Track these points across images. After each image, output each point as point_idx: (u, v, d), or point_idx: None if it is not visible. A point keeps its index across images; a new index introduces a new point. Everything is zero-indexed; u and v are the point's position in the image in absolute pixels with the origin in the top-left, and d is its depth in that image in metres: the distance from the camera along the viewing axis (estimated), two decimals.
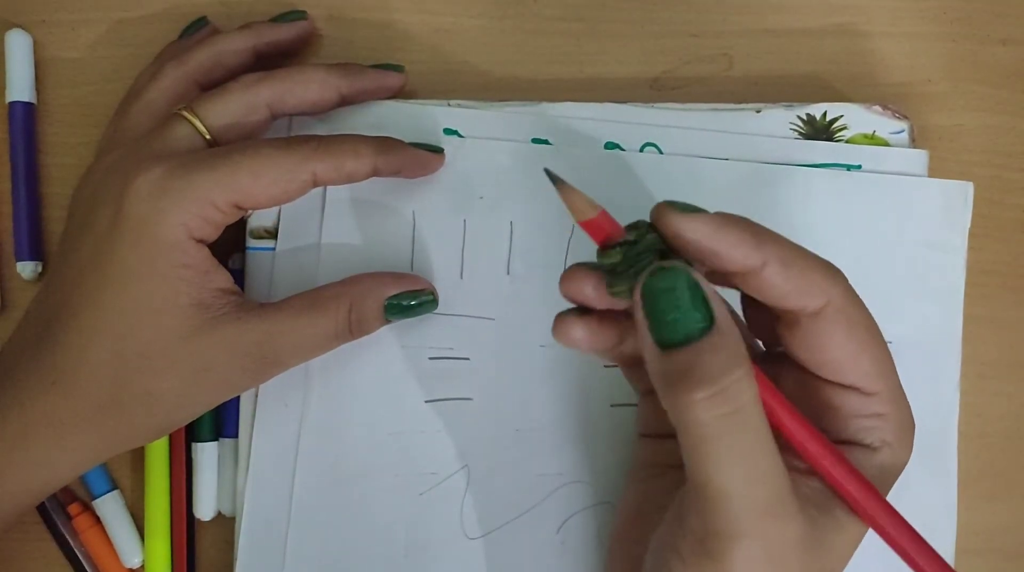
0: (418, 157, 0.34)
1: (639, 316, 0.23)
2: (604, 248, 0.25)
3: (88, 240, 0.31)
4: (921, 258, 0.35)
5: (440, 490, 0.34)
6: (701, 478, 0.23)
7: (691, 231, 0.23)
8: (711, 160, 0.35)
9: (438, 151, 0.35)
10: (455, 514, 0.34)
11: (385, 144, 0.32)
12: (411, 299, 0.33)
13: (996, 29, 0.38)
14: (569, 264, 0.35)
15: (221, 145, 0.32)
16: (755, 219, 0.35)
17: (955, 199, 0.35)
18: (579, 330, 0.26)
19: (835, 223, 0.35)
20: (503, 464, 0.34)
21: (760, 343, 0.30)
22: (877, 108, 0.36)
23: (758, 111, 0.36)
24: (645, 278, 0.23)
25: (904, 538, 0.24)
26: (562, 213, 0.35)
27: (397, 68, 0.36)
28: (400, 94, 0.36)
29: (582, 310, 0.27)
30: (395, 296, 0.33)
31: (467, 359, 0.35)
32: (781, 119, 0.36)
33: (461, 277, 0.35)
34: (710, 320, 0.23)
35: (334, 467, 0.34)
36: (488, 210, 0.35)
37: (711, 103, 0.36)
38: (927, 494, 0.34)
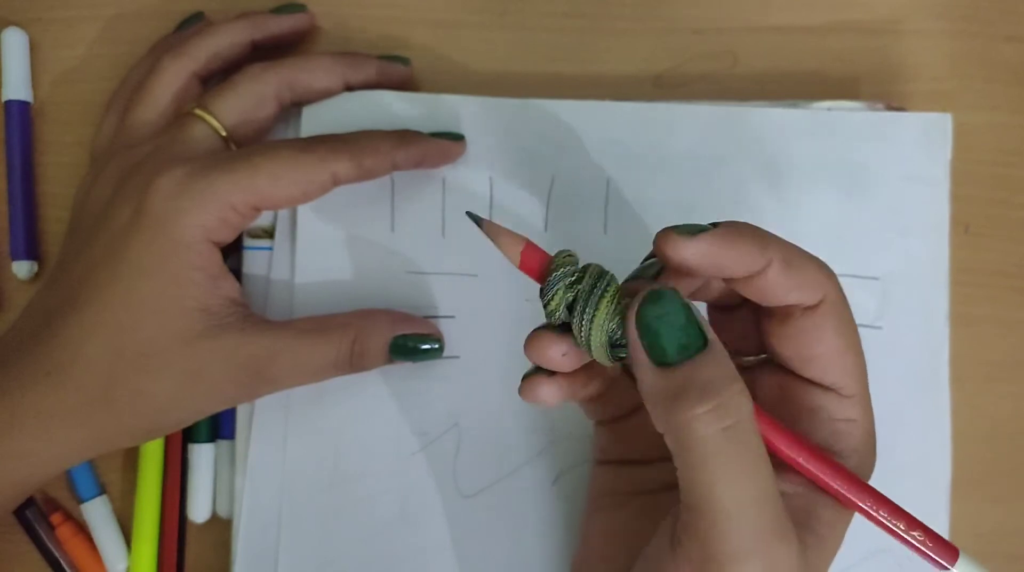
0: (438, 147, 0.33)
1: (633, 338, 0.23)
2: (546, 291, 0.24)
3: (103, 237, 0.30)
4: (904, 192, 0.35)
5: (432, 449, 0.34)
6: (701, 499, 0.22)
7: (697, 254, 0.23)
8: (686, 105, 0.35)
9: (458, 139, 0.34)
10: (448, 473, 0.34)
11: (404, 138, 0.32)
12: (419, 342, 0.33)
13: (1003, 26, 0.38)
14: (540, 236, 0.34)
15: (237, 139, 0.33)
16: (737, 160, 0.35)
17: (934, 131, 0.35)
18: (548, 390, 0.26)
19: (816, 162, 0.35)
20: (493, 421, 0.34)
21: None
22: (880, 106, 0.35)
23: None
24: (638, 304, 0.23)
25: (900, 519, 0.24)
26: (540, 167, 0.35)
27: (403, 60, 0.36)
28: (406, 87, 0.36)
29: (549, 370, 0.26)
30: (403, 336, 0.32)
31: (452, 317, 0.34)
32: None
33: (443, 235, 0.35)
34: (704, 338, 0.23)
35: (324, 435, 0.34)
36: (467, 167, 0.35)
37: (715, 100, 0.36)
38: (920, 435, 0.34)
